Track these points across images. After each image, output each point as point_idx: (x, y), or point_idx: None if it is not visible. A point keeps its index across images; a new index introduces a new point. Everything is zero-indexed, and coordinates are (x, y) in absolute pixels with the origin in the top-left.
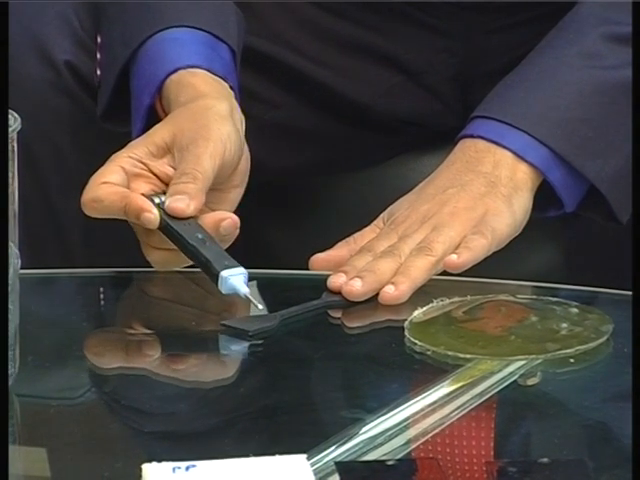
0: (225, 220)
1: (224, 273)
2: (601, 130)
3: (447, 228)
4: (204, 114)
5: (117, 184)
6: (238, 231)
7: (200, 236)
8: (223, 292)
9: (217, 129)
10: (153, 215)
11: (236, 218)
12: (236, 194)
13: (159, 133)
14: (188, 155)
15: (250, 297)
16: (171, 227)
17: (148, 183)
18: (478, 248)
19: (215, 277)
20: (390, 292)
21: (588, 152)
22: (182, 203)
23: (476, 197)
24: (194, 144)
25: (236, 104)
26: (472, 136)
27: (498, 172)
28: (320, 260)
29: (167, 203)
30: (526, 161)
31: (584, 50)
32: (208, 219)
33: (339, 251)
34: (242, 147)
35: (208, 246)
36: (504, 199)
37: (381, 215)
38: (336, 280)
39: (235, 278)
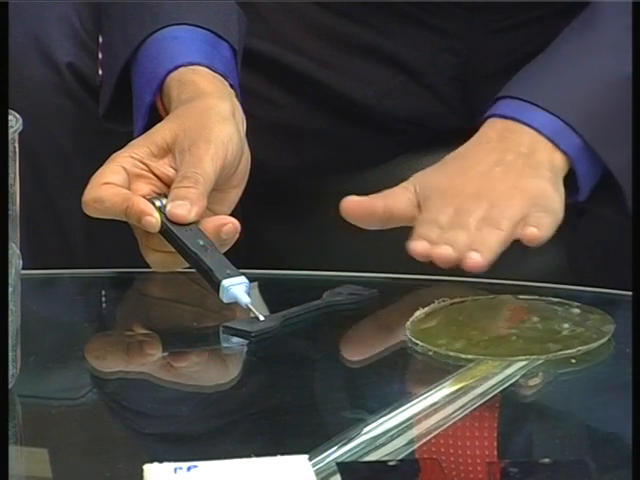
0: (226, 225)
1: (225, 282)
2: (621, 120)
3: (506, 206)
4: (205, 114)
5: (118, 185)
6: (238, 235)
7: (201, 242)
8: (224, 301)
9: (219, 130)
10: (154, 219)
11: (237, 223)
12: (235, 194)
13: (160, 133)
14: (189, 157)
15: (251, 307)
16: (172, 232)
17: (149, 184)
18: (548, 226)
19: (216, 286)
20: (476, 258)
21: (610, 142)
22: (183, 209)
23: (525, 177)
24: (195, 146)
25: (237, 103)
26: (503, 116)
27: (539, 156)
28: (353, 203)
29: (168, 208)
30: (560, 148)
31: (608, 40)
32: (209, 224)
33: (373, 201)
34: (243, 148)
35: (210, 253)
36: (551, 182)
37: (411, 181)
38: (420, 246)
39: (236, 288)
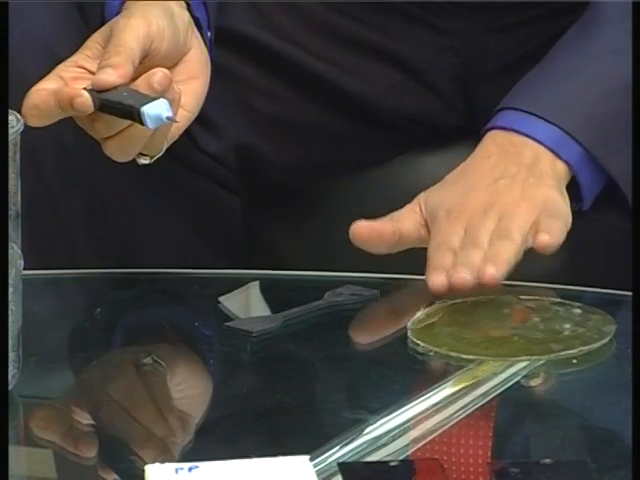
0: (155, 75)
1: (145, 107)
2: (624, 126)
3: (515, 216)
4: (129, 11)
5: (53, 89)
6: (175, 86)
7: (125, 94)
8: (149, 126)
9: (136, 10)
10: (84, 97)
11: (167, 71)
12: (197, 85)
13: (93, 37)
14: (112, 39)
15: (173, 119)
16: (102, 100)
17: (86, 83)
18: (559, 231)
19: (137, 114)
20: (492, 271)
21: (613, 150)
22: (105, 74)
23: (530, 187)
24: (116, 27)
25: (184, 11)
26: (504, 128)
27: (542, 166)
28: (363, 227)
29: (93, 79)
30: (560, 158)
31: (608, 46)
32: (140, 82)
33: (382, 225)
34: (178, 28)
35: (129, 95)
36: (556, 190)
37: (415, 201)
38: (437, 280)
39: (156, 106)
